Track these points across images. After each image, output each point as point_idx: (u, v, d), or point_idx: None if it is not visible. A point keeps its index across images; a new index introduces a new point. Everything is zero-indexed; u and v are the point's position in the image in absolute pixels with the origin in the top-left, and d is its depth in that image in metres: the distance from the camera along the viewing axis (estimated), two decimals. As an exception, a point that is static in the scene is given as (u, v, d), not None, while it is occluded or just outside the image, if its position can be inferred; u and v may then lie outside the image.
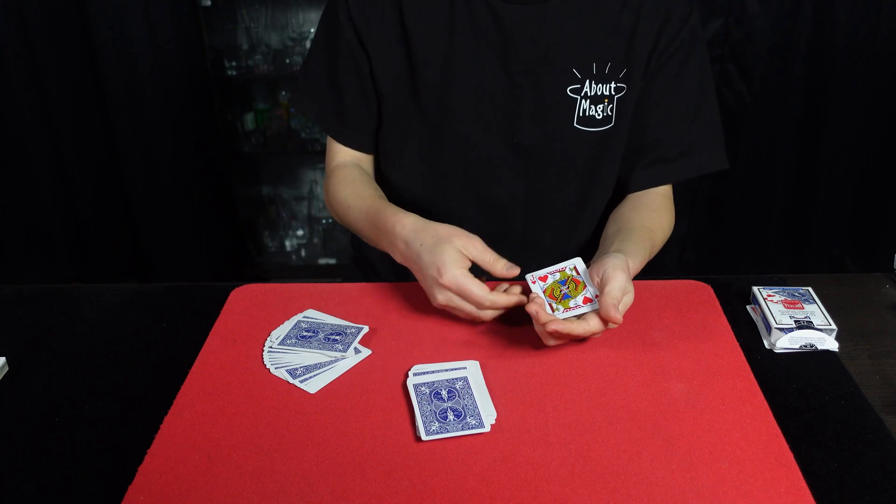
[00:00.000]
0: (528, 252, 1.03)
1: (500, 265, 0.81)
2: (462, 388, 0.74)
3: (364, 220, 0.95)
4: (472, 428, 0.69)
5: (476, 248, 0.81)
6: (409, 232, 0.85)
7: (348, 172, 1.02)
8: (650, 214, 0.96)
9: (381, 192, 1.01)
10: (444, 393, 0.73)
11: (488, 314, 0.82)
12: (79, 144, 2.23)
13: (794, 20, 1.97)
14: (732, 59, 2.04)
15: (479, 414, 0.70)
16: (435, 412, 0.70)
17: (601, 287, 0.77)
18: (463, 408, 0.71)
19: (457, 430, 0.68)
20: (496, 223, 1.01)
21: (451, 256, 0.79)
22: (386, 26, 0.93)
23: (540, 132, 0.95)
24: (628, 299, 0.77)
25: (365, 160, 1.06)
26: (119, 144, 2.26)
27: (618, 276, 0.76)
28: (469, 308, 0.81)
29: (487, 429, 0.69)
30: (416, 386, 0.74)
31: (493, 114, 0.94)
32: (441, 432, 0.68)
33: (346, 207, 0.99)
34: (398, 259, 0.89)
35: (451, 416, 0.70)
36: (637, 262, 0.84)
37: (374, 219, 0.93)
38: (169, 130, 2.26)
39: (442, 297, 0.81)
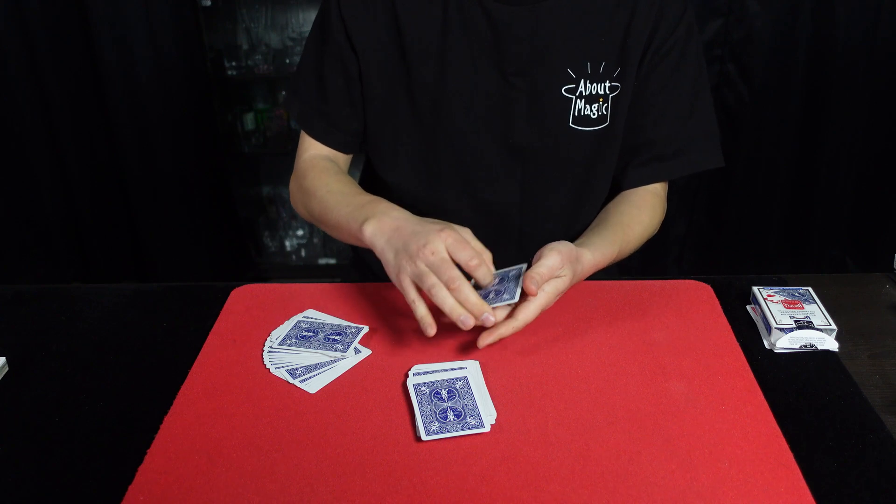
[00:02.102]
0: (525, 252, 1.03)
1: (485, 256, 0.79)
2: (462, 388, 0.74)
3: (344, 199, 0.90)
4: (472, 428, 0.69)
5: (468, 234, 0.80)
6: (404, 211, 0.83)
7: (327, 164, 1.00)
8: (631, 210, 0.96)
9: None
10: (444, 393, 0.73)
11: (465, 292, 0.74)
12: (79, 144, 2.23)
13: (794, 20, 1.96)
14: (732, 59, 2.04)
15: (479, 414, 0.70)
16: (435, 412, 0.70)
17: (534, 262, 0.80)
18: (463, 408, 0.71)
19: (457, 430, 0.68)
20: (492, 223, 1.01)
21: (455, 227, 0.79)
22: (378, 27, 0.93)
23: (535, 132, 0.95)
24: (560, 283, 0.79)
25: (342, 159, 1.04)
26: (119, 144, 2.26)
27: (550, 256, 0.78)
28: (447, 269, 0.74)
29: (487, 429, 0.69)
30: (416, 386, 0.74)
31: (488, 114, 0.94)
32: (441, 432, 0.68)
33: (325, 191, 0.94)
34: (378, 230, 0.81)
35: (451, 416, 0.70)
36: (599, 255, 0.85)
37: (362, 197, 0.90)
38: (169, 130, 2.26)
39: (435, 244, 0.74)
